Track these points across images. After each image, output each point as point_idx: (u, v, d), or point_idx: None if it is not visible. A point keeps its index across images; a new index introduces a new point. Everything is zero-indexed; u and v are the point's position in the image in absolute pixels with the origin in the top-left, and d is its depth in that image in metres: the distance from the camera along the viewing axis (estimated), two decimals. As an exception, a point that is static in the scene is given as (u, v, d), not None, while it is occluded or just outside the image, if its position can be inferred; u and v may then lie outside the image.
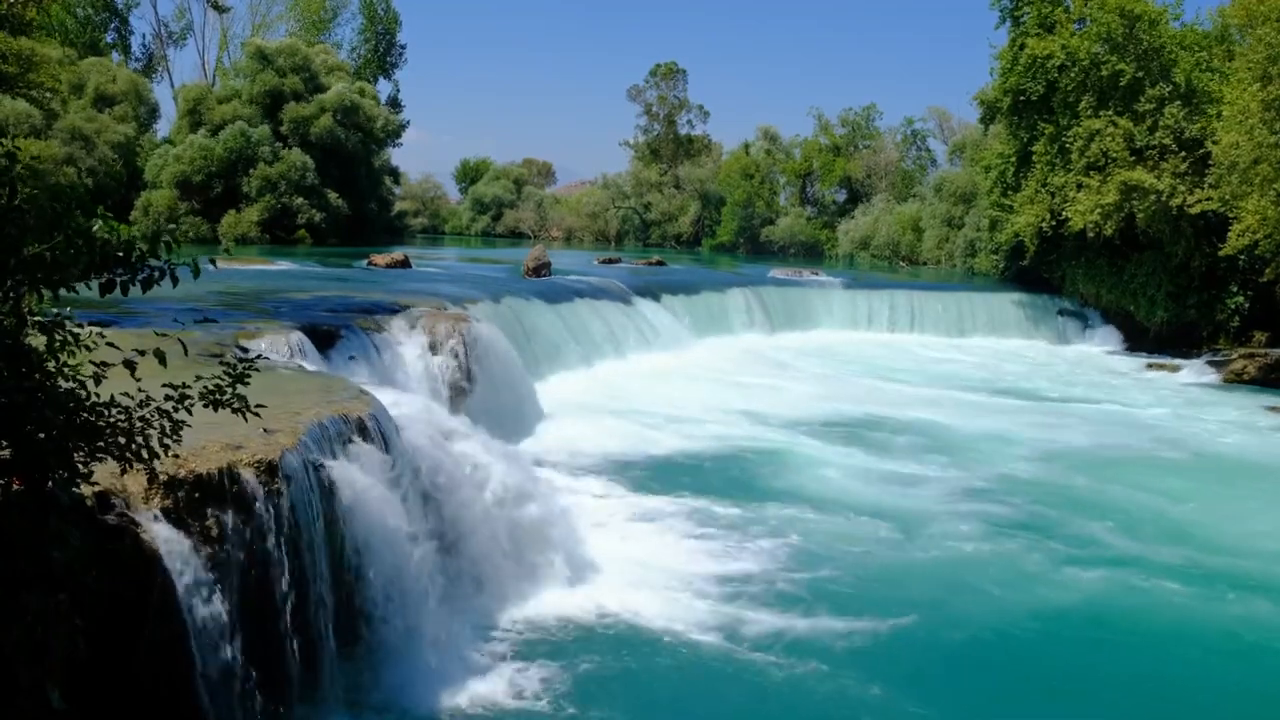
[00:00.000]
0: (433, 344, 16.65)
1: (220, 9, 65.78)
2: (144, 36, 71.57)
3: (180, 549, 6.57)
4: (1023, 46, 34.76)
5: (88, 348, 5.03)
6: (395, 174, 60.92)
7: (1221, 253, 29.90)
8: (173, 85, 63.26)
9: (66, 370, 5.03)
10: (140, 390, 5.39)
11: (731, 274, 41.52)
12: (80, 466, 5.10)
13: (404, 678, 8.46)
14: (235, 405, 5.70)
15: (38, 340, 4.90)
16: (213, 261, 5.47)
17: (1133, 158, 32.40)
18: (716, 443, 17.85)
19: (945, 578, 11.89)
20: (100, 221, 4.91)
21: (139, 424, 5.32)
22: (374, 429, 9.28)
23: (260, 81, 49.81)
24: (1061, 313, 36.31)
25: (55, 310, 4.98)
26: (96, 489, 5.84)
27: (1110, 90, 33.19)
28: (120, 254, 4.90)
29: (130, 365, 5.16)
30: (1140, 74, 32.81)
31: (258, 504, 7.34)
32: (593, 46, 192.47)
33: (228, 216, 46.90)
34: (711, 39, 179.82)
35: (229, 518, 7.08)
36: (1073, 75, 33.37)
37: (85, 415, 5.03)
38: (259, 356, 6.31)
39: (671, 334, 28.19)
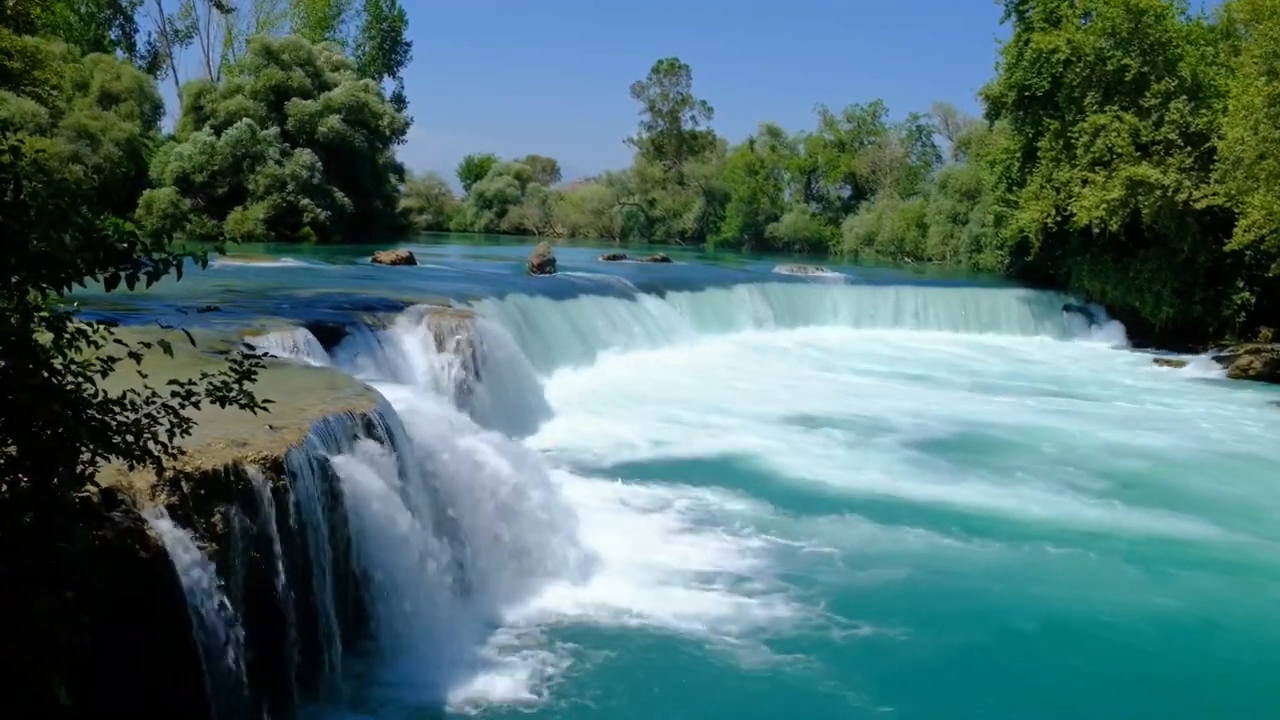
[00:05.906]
0: (438, 341, 16.68)
1: (224, 8, 65.95)
2: (149, 34, 71.57)
3: (186, 546, 6.57)
4: (1028, 41, 34.63)
5: (95, 344, 5.01)
6: (400, 171, 61.00)
7: (1227, 248, 29.81)
8: (177, 83, 63.28)
9: (74, 367, 5.02)
10: (146, 387, 5.38)
11: (736, 270, 41.46)
12: (86, 465, 5.09)
13: (409, 674, 8.47)
14: (243, 402, 5.67)
15: (44, 337, 4.88)
16: (220, 250, 5.44)
17: (1138, 153, 32.32)
18: (722, 440, 17.78)
19: (983, 582, 11.78)
20: (104, 217, 4.90)
21: (146, 421, 5.30)
22: (379, 425, 9.28)
23: (265, 77, 49.85)
24: (1067, 309, 36.24)
25: (62, 306, 4.96)
26: (102, 486, 5.84)
27: (1115, 85, 33.11)
28: (125, 246, 4.89)
29: (136, 357, 5.15)
30: (1145, 69, 32.72)
31: (263, 501, 7.34)
32: (596, 43, 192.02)
33: (233, 214, 46.95)
34: (715, 35, 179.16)
35: (234, 515, 7.08)
36: (1078, 70, 33.27)
37: (92, 413, 5.01)
38: (265, 354, 6.27)
39: (677, 330, 28.19)
